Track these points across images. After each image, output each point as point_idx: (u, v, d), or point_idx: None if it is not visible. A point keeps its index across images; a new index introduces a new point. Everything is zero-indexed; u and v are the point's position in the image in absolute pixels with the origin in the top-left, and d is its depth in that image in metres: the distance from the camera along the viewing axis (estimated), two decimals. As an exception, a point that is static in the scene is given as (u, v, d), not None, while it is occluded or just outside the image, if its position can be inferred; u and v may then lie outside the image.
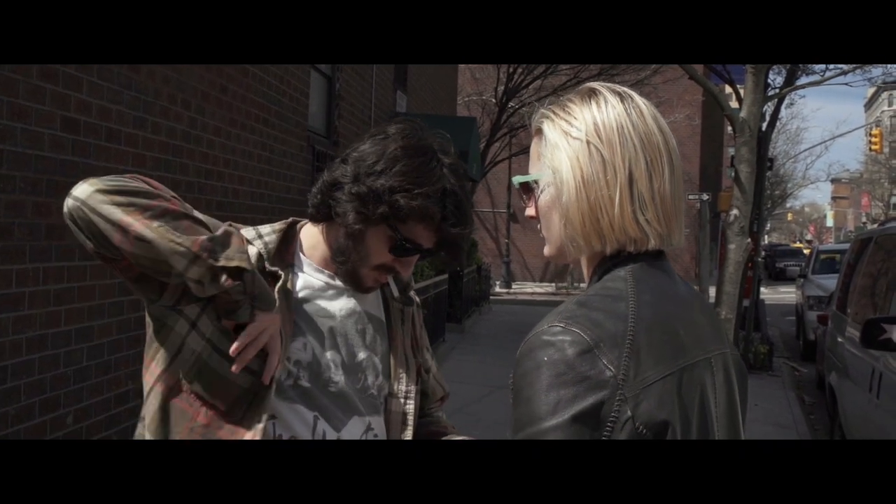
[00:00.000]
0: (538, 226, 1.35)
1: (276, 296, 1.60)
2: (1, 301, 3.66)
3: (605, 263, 1.28)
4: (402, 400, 1.76)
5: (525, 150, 24.62)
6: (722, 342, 1.32)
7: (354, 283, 1.67)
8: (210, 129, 5.81)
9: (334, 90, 9.32)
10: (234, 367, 1.53)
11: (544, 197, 1.31)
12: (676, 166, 1.30)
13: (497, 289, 25.45)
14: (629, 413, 1.14)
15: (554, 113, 1.31)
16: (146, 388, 1.63)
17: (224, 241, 1.49)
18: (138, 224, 1.44)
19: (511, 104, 22.02)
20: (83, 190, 1.46)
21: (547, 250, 1.36)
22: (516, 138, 24.28)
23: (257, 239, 1.66)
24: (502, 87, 21.95)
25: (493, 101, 22.78)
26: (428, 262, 11.01)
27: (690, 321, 1.27)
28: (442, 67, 16.97)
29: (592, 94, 1.30)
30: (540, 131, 1.33)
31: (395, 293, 1.82)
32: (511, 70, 21.59)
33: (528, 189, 1.35)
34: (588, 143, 1.26)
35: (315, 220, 1.69)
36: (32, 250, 3.87)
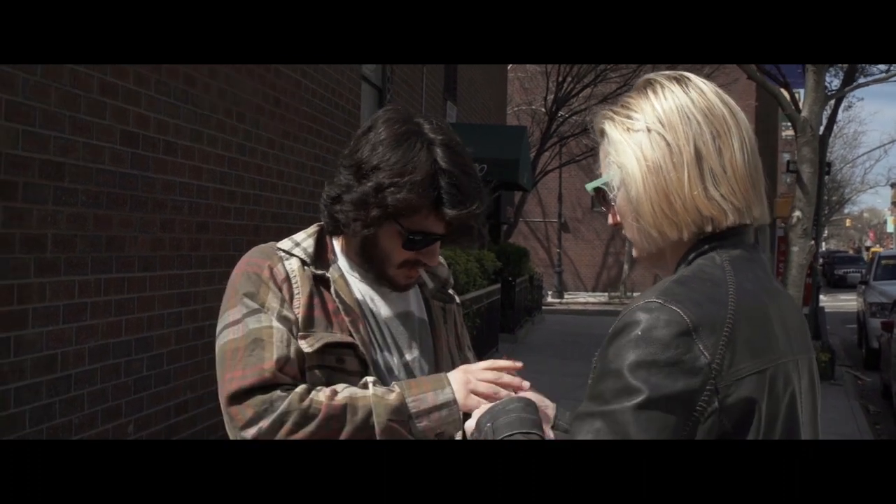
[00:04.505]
0: (623, 232, 1.32)
1: (336, 298, 1.61)
2: (65, 311, 3.74)
3: (692, 251, 1.25)
4: None
5: (575, 160, 24.57)
6: (807, 346, 1.28)
7: (388, 284, 1.68)
8: (264, 142, 5.88)
9: (384, 101, 9.37)
10: None
11: (619, 197, 1.29)
12: (747, 137, 1.26)
13: (549, 298, 25.31)
14: (717, 405, 1.10)
15: (614, 112, 1.30)
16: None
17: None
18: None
19: (561, 113, 21.92)
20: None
21: (635, 252, 1.33)
22: (566, 147, 24.17)
23: (295, 247, 1.67)
24: (552, 97, 21.87)
25: (543, 110, 22.71)
26: (479, 270, 10.99)
27: (782, 318, 1.23)
28: (491, 77, 16.97)
29: (648, 84, 1.29)
30: (603, 133, 1.32)
31: (429, 283, 1.81)
32: (560, 79, 21.50)
33: (602, 196, 1.33)
34: (649, 131, 1.24)
35: (332, 234, 1.70)
36: (94, 262, 3.95)
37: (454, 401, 1.54)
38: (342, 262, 1.71)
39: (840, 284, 33.65)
